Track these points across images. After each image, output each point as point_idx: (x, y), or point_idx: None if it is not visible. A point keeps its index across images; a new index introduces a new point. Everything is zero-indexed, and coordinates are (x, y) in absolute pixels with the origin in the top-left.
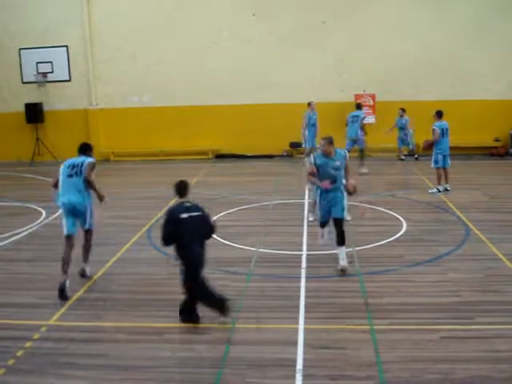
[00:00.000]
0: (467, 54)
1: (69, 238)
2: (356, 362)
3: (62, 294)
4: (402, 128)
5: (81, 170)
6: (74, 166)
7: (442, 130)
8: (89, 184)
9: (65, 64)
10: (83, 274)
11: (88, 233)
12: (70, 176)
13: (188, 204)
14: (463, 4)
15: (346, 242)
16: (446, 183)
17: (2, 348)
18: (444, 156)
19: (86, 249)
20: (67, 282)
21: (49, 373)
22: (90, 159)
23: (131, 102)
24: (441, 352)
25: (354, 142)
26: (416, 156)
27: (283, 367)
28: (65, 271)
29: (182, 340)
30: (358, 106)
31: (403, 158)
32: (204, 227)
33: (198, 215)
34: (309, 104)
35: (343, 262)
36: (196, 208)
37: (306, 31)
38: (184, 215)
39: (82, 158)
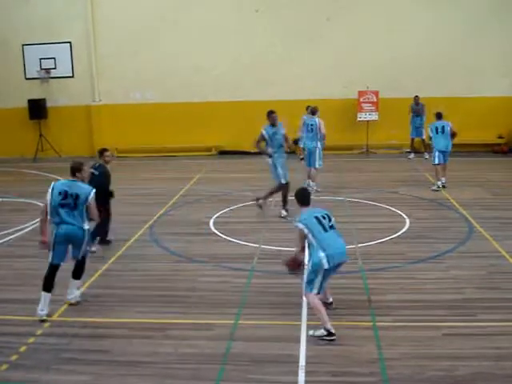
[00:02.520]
0: (471, 51)
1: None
2: (358, 358)
3: None
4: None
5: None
6: None
7: (436, 128)
8: None
9: (68, 60)
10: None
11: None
12: None
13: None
14: (469, 0)
15: None
16: (443, 177)
17: (5, 343)
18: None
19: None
20: None
21: (52, 368)
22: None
23: (134, 98)
24: (443, 349)
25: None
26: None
27: (286, 363)
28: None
29: (185, 336)
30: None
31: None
32: None
33: None
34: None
35: None
36: None
37: (309, 28)
38: None
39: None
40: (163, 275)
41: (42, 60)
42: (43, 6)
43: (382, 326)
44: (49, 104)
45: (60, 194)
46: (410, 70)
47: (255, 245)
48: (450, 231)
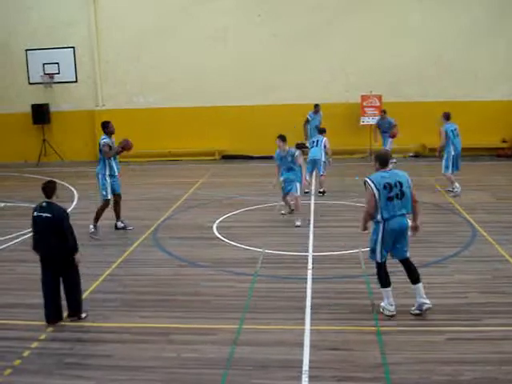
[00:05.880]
0: (474, 55)
1: None
2: (362, 363)
3: None
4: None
5: None
6: None
7: (452, 131)
8: None
9: (71, 65)
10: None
11: None
12: None
13: (44, 204)
14: (470, 4)
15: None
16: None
17: (8, 348)
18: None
19: None
20: None
21: (55, 373)
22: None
23: (137, 103)
24: (447, 353)
25: None
26: None
27: (289, 368)
28: None
29: (188, 341)
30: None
31: None
32: (51, 230)
33: (47, 216)
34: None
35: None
36: (49, 209)
37: (311, 32)
38: (35, 213)
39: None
40: (166, 280)
41: (46, 65)
42: (47, 11)
43: (385, 331)
44: (52, 109)
45: (385, 187)
46: (413, 74)
47: (259, 249)
48: (453, 235)
